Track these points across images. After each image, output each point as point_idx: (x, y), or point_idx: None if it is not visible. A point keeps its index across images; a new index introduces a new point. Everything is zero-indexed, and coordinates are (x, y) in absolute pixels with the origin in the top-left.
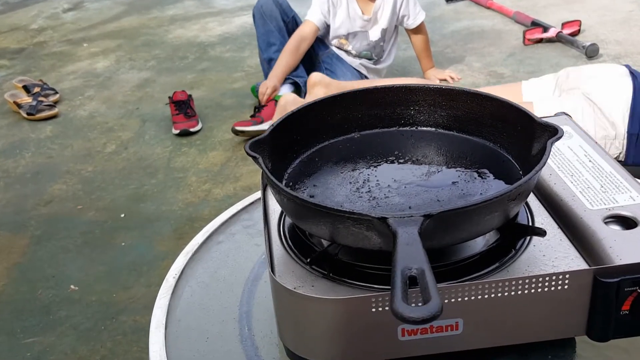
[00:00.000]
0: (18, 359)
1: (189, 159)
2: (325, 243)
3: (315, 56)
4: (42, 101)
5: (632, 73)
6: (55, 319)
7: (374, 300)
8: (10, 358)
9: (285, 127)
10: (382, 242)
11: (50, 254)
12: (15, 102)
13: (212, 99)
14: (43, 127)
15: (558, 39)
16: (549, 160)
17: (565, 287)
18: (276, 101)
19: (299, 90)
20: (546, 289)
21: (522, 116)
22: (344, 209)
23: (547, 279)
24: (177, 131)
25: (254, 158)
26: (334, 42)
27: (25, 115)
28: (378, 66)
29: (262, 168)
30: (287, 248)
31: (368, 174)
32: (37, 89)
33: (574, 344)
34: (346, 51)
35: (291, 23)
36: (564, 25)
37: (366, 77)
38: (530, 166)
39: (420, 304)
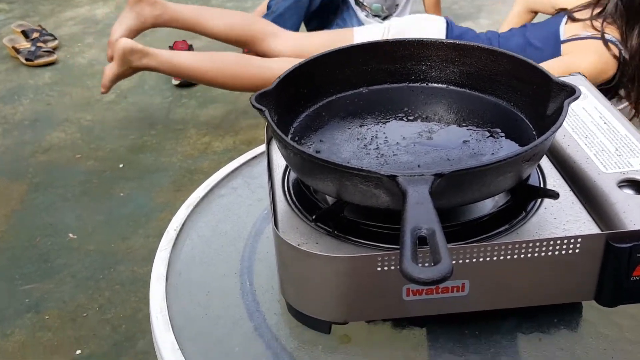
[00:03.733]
0: (16, 305)
1: (188, 110)
2: (330, 200)
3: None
4: (40, 47)
5: (449, 24)
6: (54, 266)
7: (379, 259)
8: (9, 304)
9: (292, 80)
10: (390, 201)
11: (48, 202)
12: (13, 47)
13: (214, 47)
14: (41, 73)
15: None
16: (563, 122)
17: (577, 251)
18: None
19: None
20: (556, 253)
21: (538, 75)
22: (353, 166)
23: (557, 242)
24: (177, 82)
25: (260, 110)
26: None
27: (23, 61)
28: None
29: (268, 121)
30: (291, 204)
31: (376, 131)
32: (35, 35)
33: (581, 309)
34: (359, 4)
35: None
36: None
37: None
38: (544, 127)
39: (427, 265)
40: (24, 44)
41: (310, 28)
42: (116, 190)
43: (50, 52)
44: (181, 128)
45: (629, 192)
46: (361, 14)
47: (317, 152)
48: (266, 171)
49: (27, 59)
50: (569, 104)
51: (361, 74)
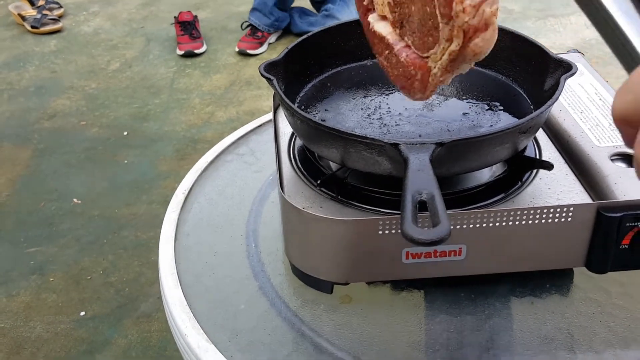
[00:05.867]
0: (21, 267)
1: (192, 80)
2: (334, 166)
3: None
4: (46, 15)
5: None
6: (58, 230)
7: (381, 222)
8: (14, 266)
9: (300, 51)
10: (392, 168)
11: (53, 167)
12: (19, 15)
13: (218, 21)
14: (47, 41)
15: None
16: (559, 96)
17: (569, 219)
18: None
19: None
20: (549, 221)
21: (536, 51)
22: (358, 134)
23: (551, 210)
24: (182, 52)
25: (268, 80)
26: None
27: (29, 28)
28: None
29: (275, 89)
30: (297, 170)
31: (380, 102)
32: (41, 2)
33: (572, 275)
34: None
35: None
36: None
37: None
38: (541, 101)
39: (427, 228)
40: (30, 12)
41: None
42: (120, 157)
43: (56, 20)
44: (185, 97)
45: (620, 165)
46: None
47: (323, 120)
48: (272, 138)
49: (32, 27)
50: (565, 79)
51: (366, 47)
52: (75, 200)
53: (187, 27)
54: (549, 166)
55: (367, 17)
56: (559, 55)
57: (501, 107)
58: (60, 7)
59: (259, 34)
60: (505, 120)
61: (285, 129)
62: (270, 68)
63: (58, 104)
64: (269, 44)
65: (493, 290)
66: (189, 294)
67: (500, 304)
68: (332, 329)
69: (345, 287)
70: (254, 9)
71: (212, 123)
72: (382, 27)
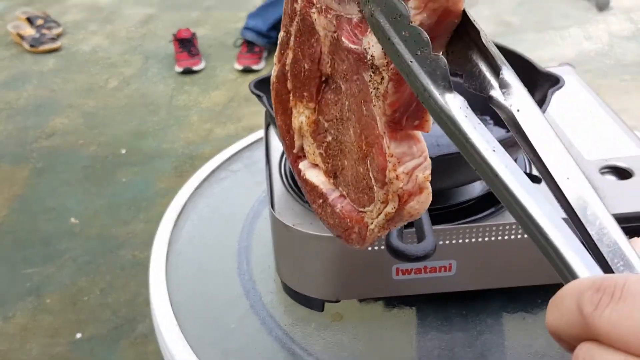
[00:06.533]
0: (18, 289)
1: (191, 97)
2: None
3: None
4: (45, 34)
5: None
6: (56, 250)
7: None
8: (10, 287)
9: None
10: None
11: (51, 186)
12: (18, 34)
13: (216, 37)
14: (45, 60)
15: None
16: (548, 109)
17: None
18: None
19: None
20: None
21: (525, 64)
22: None
23: None
24: (180, 69)
25: (258, 96)
26: None
27: (28, 48)
28: None
29: (265, 106)
30: (287, 186)
31: None
32: (40, 22)
33: None
34: None
35: None
36: None
37: None
38: None
39: (414, 243)
40: (29, 31)
41: None
42: (118, 176)
43: (54, 39)
44: (184, 114)
45: (610, 178)
46: None
47: None
48: (264, 156)
49: (31, 46)
50: (552, 92)
51: None
52: (72, 219)
53: (186, 44)
54: (537, 180)
55: (298, 164)
56: (547, 69)
57: (491, 121)
58: (59, 26)
59: (256, 49)
60: (495, 133)
61: (277, 145)
62: (260, 85)
63: (56, 122)
64: (265, 58)
65: (484, 306)
66: (180, 314)
67: (492, 320)
68: (323, 348)
69: (336, 305)
70: (248, 29)
71: (211, 140)
72: (314, 176)
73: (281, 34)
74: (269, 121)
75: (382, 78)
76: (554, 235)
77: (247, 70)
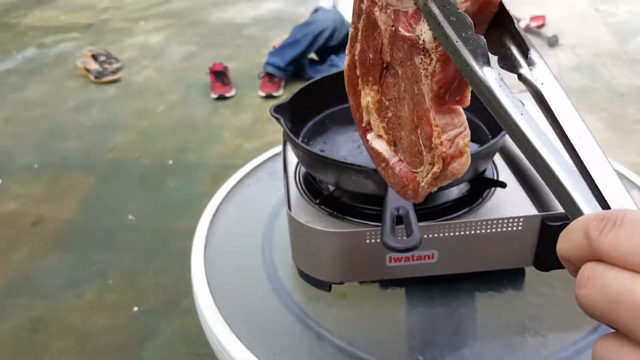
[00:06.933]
0: (87, 272)
1: (224, 118)
2: (331, 188)
3: (342, 39)
4: (107, 68)
5: None
6: (117, 241)
7: (368, 233)
8: (81, 271)
9: (302, 95)
10: (376, 188)
11: (113, 191)
12: (85, 68)
13: (245, 69)
14: (107, 89)
15: (526, 30)
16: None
17: (519, 228)
18: (269, 74)
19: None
20: (504, 229)
21: None
22: (348, 162)
23: (505, 221)
24: (215, 96)
25: (277, 119)
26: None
27: (93, 79)
28: None
29: (282, 127)
30: (301, 191)
31: None
32: (103, 58)
33: (524, 273)
34: None
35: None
36: (531, 18)
37: None
38: (497, 131)
39: (403, 237)
40: (94, 65)
41: (320, 56)
42: (166, 182)
43: (115, 72)
44: (218, 132)
45: None
46: None
47: (322, 150)
48: (282, 166)
49: (95, 77)
50: None
51: None
52: (130, 216)
53: (220, 75)
54: (503, 185)
55: (366, 136)
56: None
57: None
58: (118, 61)
59: (276, 79)
60: (471, 148)
61: (292, 158)
62: (278, 109)
63: (117, 139)
64: (283, 86)
65: (460, 287)
66: (215, 293)
67: (466, 298)
68: (331, 321)
69: (341, 286)
70: (269, 64)
71: (241, 153)
72: (378, 145)
73: (351, 30)
74: (286, 139)
75: (431, 59)
76: (567, 182)
77: (269, 97)
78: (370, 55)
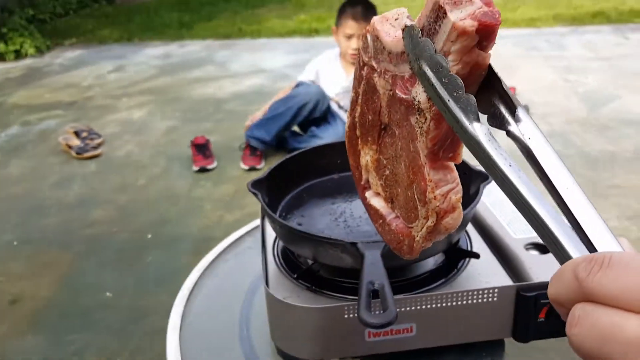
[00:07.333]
0: (63, 352)
1: (205, 190)
2: (309, 262)
3: (323, 111)
4: (88, 143)
5: None
6: (93, 320)
7: (346, 308)
8: (58, 351)
9: (280, 169)
10: (353, 262)
11: (90, 267)
12: (67, 144)
13: (226, 142)
14: (88, 164)
15: None
16: (483, 198)
17: (495, 299)
18: (250, 147)
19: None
20: (480, 300)
21: (461, 164)
22: (324, 235)
23: (481, 292)
24: (197, 168)
25: (254, 194)
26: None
27: (74, 155)
28: None
29: (260, 202)
30: (279, 265)
31: (344, 207)
32: (85, 134)
33: (503, 345)
34: (340, 107)
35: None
36: None
37: None
38: (468, 203)
39: (379, 312)
40: (75, 142)
41: (302, 128)
42: (145, 257)
43: (96, 148)
44: (199, 204)
45: (533, 252)
46: (343, 115)
47: (299, 224)
48: (260, 241)
49: (77, 153)
50: (484, 187)
51: (333, 164)
52: (108, 293)
53: (201, 148)
54: (477, 255)
55: (365, 193)
56: (477, 167)
57: None
58: (100, 136)
59: (257, 152)
60: None
61: (271, 232)
62: (256, 185)
63: (96, 214)
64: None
65: None
66: None
67: None
68: None
69: None
70: (254, 137)
71: (222, 224)
72: (376, 202)
73: (351, 95)
74: (264, 213)
75: (426, 118)
76: (555, 228)
77: (251, 169)
78: (370, 117)
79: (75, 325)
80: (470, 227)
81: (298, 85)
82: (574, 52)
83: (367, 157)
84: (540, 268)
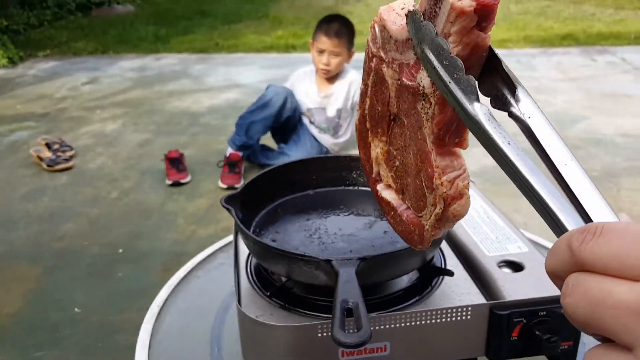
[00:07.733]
0: None
1: (178, 204)
2: (283, 279)
3: (294, 124)
4: (60, 156)
5: None
6: (62, 336)
7: (319, 327)
8: None
9: (254, 185)
10: (327, 279)
11: (59, 282)
12: (38, 156)
13: (201, 156)
14: (60, 177)
15: None
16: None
17: (469, 317)
18: (229, 164)
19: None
20: (454, 319)
21: None
22: (298, 252)
23: (454, 310)
24: (170, 182)
25: (228, 209)
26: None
27: (45, 167)
28: (336, 140)
29: (234, 218)
30: (252, 282)
31: (319, 224)
32: (56, 146)
33: None
34: (311, 122)
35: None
36: None
37: (325, 148)
38: None
39: (353, 331)
40: (47, 154)
41: (276, 139)
42: (116, 271)
43: (68, 160)
44: (172, 219)
45: (506, 270)
46: (314, 130)
47: (273, 240)
48: (233, 257)
49: (48, 165)
50: None
51: (308, 180)
52: (76, 309)
53: (175, 162)
54: (450, 273)
55: (376, 186)
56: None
57: None
58: (72, 149)
59: (237, 169)
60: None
61: (244, 248)
62: (229, 200)
63: (66, 227)
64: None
65: None
66: None
67: None
68: None
69: None
70: (237, 145)
71: (195, 239)
72: (387, 194)
73: (361, 87)
74: (237, 229)
75: (430, 103)
76: (552, 203)
77: (230, 188)
78: (379, 108)
79: (43, 342)
80: (444, 245)
81: (267, 88)
82: (544, 73)
83: (377, 149)
84: (513, 286)
